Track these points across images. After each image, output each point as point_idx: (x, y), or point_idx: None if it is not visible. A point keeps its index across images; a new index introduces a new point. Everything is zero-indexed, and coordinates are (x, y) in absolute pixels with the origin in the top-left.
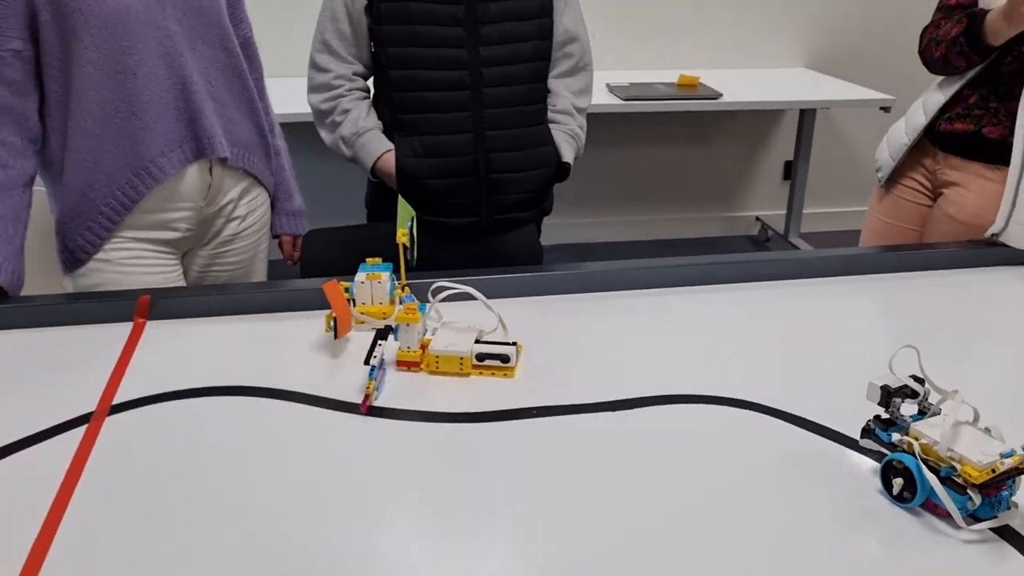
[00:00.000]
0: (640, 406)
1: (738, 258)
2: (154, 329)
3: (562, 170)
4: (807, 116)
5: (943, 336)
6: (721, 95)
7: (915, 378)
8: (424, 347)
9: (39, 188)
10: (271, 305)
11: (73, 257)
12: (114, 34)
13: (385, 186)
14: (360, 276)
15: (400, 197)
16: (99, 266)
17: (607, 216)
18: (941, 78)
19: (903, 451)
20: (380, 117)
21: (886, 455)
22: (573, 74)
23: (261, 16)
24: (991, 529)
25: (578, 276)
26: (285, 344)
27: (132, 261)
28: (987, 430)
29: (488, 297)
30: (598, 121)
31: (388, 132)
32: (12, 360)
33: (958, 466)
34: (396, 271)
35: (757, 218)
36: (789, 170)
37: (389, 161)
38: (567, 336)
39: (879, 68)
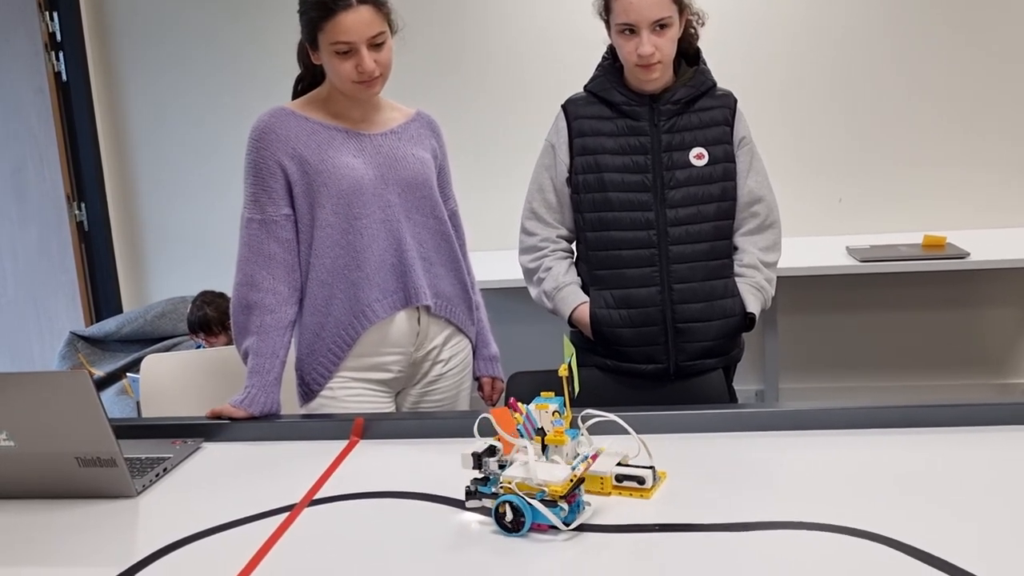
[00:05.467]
0: (758, 529)
1: (901, 402)
2: (363, 446)
3: (748, 320)
4: None
5: None
6: (968, 254)
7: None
8: None
9: None
10: (460, 431)
11: (308, 390)
12: (348, 203)
13: (583, 336)
14: (531, 406)
15: (565, 337)
16: (326, 401)
17: (851, 381)
18: None
19: (506, 493)
20: (580, 274)
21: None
22: (760, 232)
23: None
24: (581, 525)
25: (725, 416)
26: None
27: (353, 397)
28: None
29: (653, 432)
30: (840, 283)
31: (585, 287)
32: (252, 463)
33: (546, 489)
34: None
35: None
36: None
37: (584, 312)
38: (716, 467)
39: None
